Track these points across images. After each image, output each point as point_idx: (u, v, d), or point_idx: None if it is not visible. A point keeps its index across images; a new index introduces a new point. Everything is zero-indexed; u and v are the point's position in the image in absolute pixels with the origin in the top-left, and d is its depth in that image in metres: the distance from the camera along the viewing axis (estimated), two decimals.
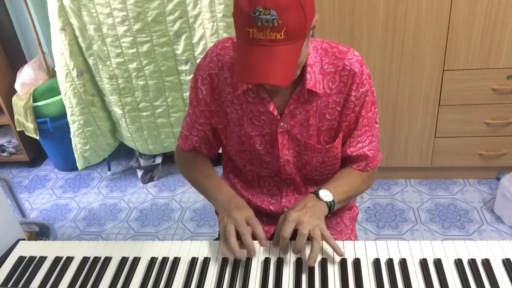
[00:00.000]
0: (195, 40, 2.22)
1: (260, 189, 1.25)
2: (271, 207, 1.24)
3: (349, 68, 1.06)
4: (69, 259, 1.08)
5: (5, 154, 2.98)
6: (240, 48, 0.92)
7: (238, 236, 1.03)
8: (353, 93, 1.08)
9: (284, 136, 1.12)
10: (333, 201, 1.07)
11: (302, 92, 1.06)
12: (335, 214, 1.30)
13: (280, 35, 0.86)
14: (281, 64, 0.89)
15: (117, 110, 2.48)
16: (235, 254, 1.01)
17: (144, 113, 2.47)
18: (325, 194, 1.07)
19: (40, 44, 2.65)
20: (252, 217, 1.04)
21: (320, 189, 1.09)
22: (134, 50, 2.24)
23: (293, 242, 1.00)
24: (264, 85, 1.06)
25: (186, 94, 2.41)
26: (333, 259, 1.01)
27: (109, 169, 2.88)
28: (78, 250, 1.11)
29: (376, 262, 0.99)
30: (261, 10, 0.84)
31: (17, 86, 2.63)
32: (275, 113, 1.08)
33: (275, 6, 0.84)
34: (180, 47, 2.24)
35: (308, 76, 1.04)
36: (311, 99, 1.07)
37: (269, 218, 1.28)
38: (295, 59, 0.91)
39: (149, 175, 2.75)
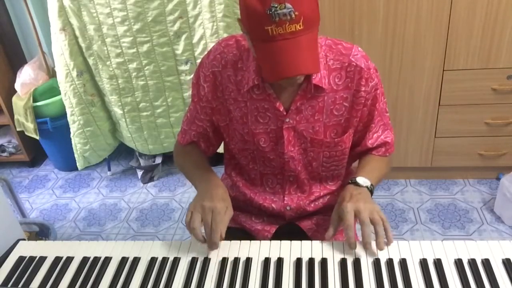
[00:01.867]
0: (195, 40, 2.22)
1: (263, 187, 1.25)
2: (273, 205, 1.24)
3: (355, 64, 1.07)
4: (69, 259, 1.08)
5: (5, 154, 2.98)
6: (260, 48, 0.92)
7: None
8: (363, 88, 1.08)
9: (290, 132, 1.12)
10: (371, 185, 1.10)
11: (308, 87, 1.06)
12: None
13: (300, 25, 0.88)
14: (308, 53, 0.90)
15: (117, 110, 2.48)
16: (201, 242, 1.03)
17: (144, 113, 2.47)
18: (363, 181, 1.10)
19: (40, 44, 2.65)
20: (219, 212, 1.03)
21: (356, 177, 1.11)
22: (134, 50, 2.24)
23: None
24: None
25: (186, 94, 2.41)
26: (333, 259, 1.01)
27: (109, 169, 2.88)
28: (78, 250, 1.10)
29: (376, 262, 0.99)
30: (276, 5, 0.85)
31: (17, 86, 2.63)
32: (281, 109, 1.09)
33: None
34: (180, 47, 2.24)
35: None
36: (317, 94, 1.08)
37: (270, 217, 1.28)
38: (316, 47, 0.93)
39: (149, 175, 2.75)
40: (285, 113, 1.09)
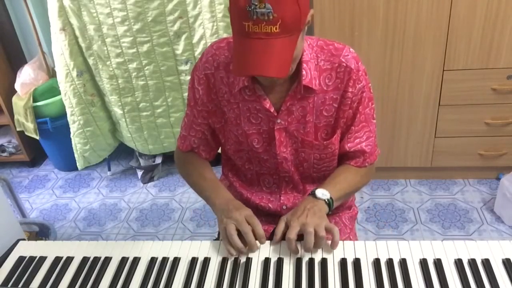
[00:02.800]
0: (195, 40, 2.22)
1: (259, 187, 1.26)
2: (270, 204, 1.25)
3: (345, 65, 1.07)
4: (69, 259, 1.08)
5: (5, 154, 2.98)
6: (236, 42, 0.93)
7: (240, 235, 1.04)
8: (350, 89, 1.08)
9: (281, 133, 1.12)
10: (331, 198, 1.09)
11: (298, 88, 1.07)
12: (334, 213, 1.30)
13: (275, 28, 0.87)
14: (277, 57, 0.90)
15: (117, 110, 2.48)
16: (240, 251, 1.02)
17: (144, 113, 2.47)
18: (322, 193, 1.09)
19: (40, 44, 2.65)
20: (252, 216, 1.06)
21: (316, 188, 1.10)
22: (134, 50, 2.24)
23: (302, 242, 1.02)
24: (260, 81, 1.07)
25: (186, 94, 2.40)
26: (333, 259, 1.01)
27: (109, 169, 2.88)
28: (78, 250, 1.11)
29: (376, 262, 0.99)
30: (256, 3, 0.85)
31: (17, 86, 2.63)
32: (272, 110, 1.09)
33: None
34: (180, 47, 2.24)
35: (304, 72, 1.05)
36: (307, 95, 1.08)
37: (268, 217, 1.28)
38: (290, 52, 0.92)
39: (149, 175, 2.75)
40: (276, 114, 1.10)
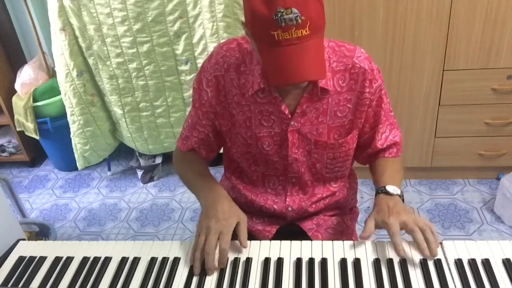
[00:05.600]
0: (195, 40, 2.22)
1: (264, 188, 1.25)
2: (274, 206, 1.24)
3: (359, 66, 1.07)
4: (69, 259, 1.08)
5: (5, 154, 2.98)
6: (266, 52, 0.92)
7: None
8: (367, 90, 1.09)
9: (294, 135, 1.12)
10: (401, 191, 1.09)
11: (314, 90, 1.06)
12: (336, 214, 1.30)
13: (306, 31, 0.87)
14: (314, 59, 0.90)
15: (117, 110, 2.48)
16: (194, 269, 1.00)
17: (144, 113, 2.47)
18: (393, 189, 1.08)
19: (40, 44, 2.65)
20: (227, 232, 1.02)
21: (384, 186, 1.09)
22: (134, 50, 2.24)
23: (412, 243, 1.01)
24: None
25: (186, 94, 2.41)
26: (333, 259, 1.01)
27: (109, 169, 2.88)
28: (78, 250, 1.10)
29: (376, 262, 0.99)
30: (282, 10, 0.84)
31: (17, 86, 2.63)
32: (286, 112, 1.08)
33: (295, 3, 0.84)
34: (180, 47, 2.24)
35: None
36: (322, 97, 1.08)
37: (271, 217, 1.28)
38: (323, 51, 0.93)
39: (149, 175, 2.75)
40: (290, 116, 1.09)
